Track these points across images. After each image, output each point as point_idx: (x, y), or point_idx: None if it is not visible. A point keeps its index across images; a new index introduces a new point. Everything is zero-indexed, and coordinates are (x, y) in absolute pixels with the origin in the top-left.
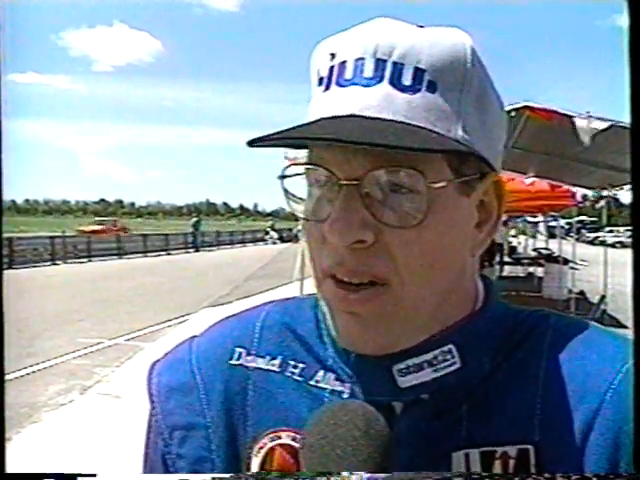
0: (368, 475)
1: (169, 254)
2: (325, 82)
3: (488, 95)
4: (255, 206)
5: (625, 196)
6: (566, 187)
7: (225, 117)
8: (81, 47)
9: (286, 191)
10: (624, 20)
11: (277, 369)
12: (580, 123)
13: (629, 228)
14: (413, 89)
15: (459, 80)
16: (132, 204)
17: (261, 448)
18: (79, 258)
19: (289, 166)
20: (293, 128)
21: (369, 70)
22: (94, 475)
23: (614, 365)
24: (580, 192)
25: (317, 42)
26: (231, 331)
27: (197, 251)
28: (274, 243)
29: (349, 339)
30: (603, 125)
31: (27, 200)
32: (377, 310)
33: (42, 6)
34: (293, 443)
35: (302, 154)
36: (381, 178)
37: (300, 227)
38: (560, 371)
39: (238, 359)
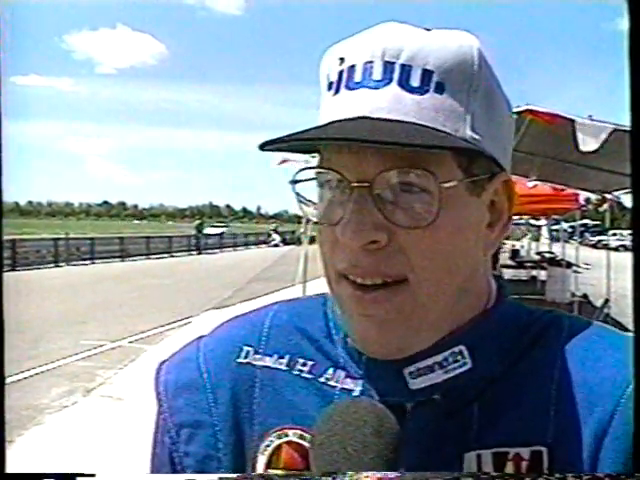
0: (378, 474)
1: (172, 256)
2: (335, 86)
3: (495, 96)
4: (258, 209)
5: (629, 199)
6: (569, 190)
7: (228, 120)
8: (84, 49)
9: (298, 195)
10: (625, 22)
11: (285, 367)
12: (582, 131)
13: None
14: (421, 90)
15: (466, 81)
16: (135, 206)
17: (267, 446)
18: (82, 260)
19: (300, 171)
20: (304, 131)
21: (378, 73)
22: (93, 475)
23: (629, 369)
24: (583, 195)
25: (321, 45)
26: (239, 330)
27: (200, 253)
28: (277, 246)
29: (366, 343)
30: (605, 135)
31: (30, 202)
32: (391, 310)
33: (45, 9)
34: (300, 441)
35: (304, 157)
36: (392, 179)
37: (302, 230)
38: (574, 373)
39: (246, 357)
